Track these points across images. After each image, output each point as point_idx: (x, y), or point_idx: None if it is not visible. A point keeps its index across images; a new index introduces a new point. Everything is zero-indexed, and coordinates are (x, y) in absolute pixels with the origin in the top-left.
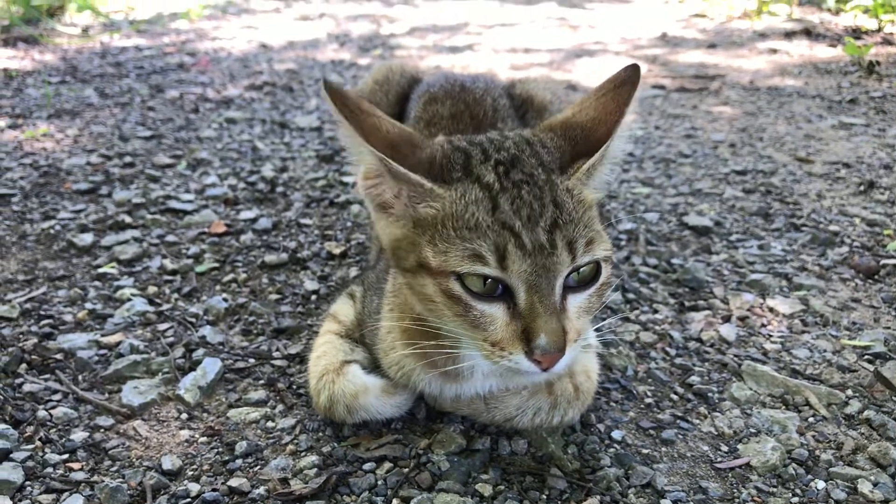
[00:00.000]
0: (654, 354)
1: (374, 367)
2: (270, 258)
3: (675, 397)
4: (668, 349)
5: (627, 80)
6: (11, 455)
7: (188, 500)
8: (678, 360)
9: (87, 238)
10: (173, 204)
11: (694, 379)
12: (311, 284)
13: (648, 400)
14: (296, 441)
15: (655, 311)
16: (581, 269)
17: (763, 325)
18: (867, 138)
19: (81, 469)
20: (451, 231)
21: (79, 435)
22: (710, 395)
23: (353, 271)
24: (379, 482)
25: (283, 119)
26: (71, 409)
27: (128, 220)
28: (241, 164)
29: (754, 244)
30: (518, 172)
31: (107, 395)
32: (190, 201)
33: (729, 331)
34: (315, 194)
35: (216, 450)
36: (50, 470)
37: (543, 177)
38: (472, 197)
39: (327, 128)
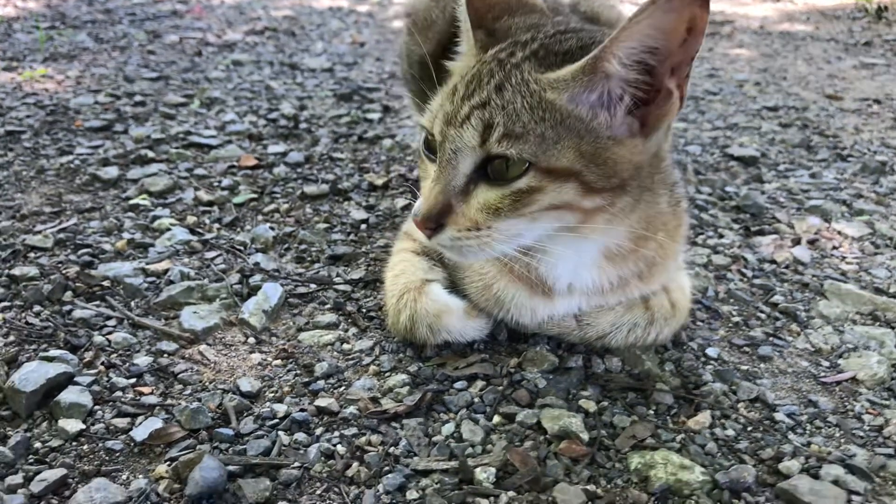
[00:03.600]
0: (731, 276)
1: (452, 286)
2: (310, 189)
3: (762, 316)
4: (743, 270)
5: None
6: (76, 379)
7: (275, 420)
8: (757, 281)
9: (111, 171)
10: (195, 139)
11: (778, 298)
12: (358, 214)
13: (735, 319)
14: (377, 362)
15: (721, 236)
16: (497, 161)
17: (835, 248)
18: (891, 77)
19: (152, 393)
20: (447, 88)
21: (143, 360)
22: (797, 313)
23: (400, 202)
24: (475, 399)
25: (292, 61)
26: (129, 335)
27: (151, 154)
28: (258, 102)
29: (804, 173)
30: (504, 52)
31: (164, 321)
32: (213, 136)
33: (802, 253)
34: (341, 130)
35: (294, 372)
36: (119, 394)
37: (515, 61)
38: (471, 62)
39: (338, 69)
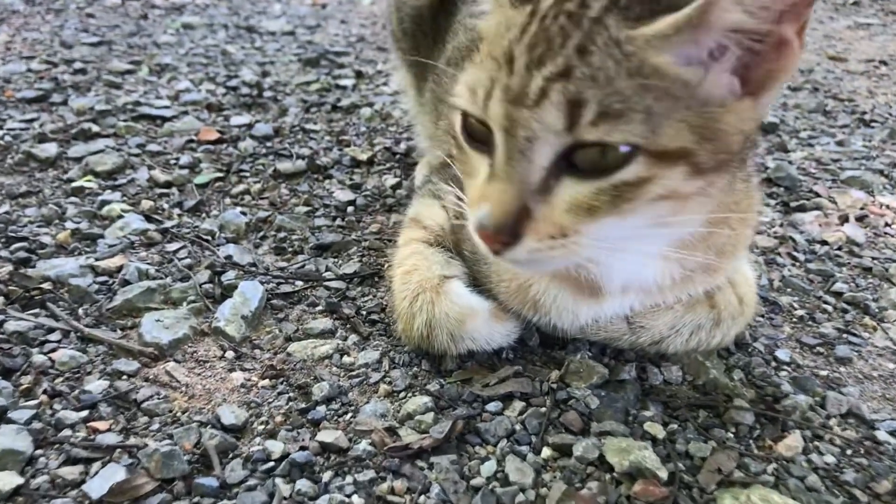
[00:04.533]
0: (782, 260)
1: (474, 281)
2: (284, 166)
3: (828, 308)
4: (794, 254)
5: None
6: (10, 415)
7: (270, 463)
8: (812, 266)
9: (49, 148)
10: (146, 110)
11: (840, 286)
12: (342, 194)
13: (799, 312)
14: (388, 379)
15: (759, 213)
16: (591, 147)
17: (887, 225)
18: (889, 37)
19: (110, 430)
20: (484, 56)
21: (96, 384)
22: (867, 303)
23: (389, 180)
24: (516, 426)
25: (249, 24)
26: (78, 352)
27: (95, 128)
28: (214, 69)
29: (830, 141)
30: (573, 3)
31: (120, 332)
32: (166, 107)
33: (854, 231)
34: (312, 98)
35: (286, 395)
36: (67, 433)
37: (594, 14)
38: (516, 20)
39: (301, 32)
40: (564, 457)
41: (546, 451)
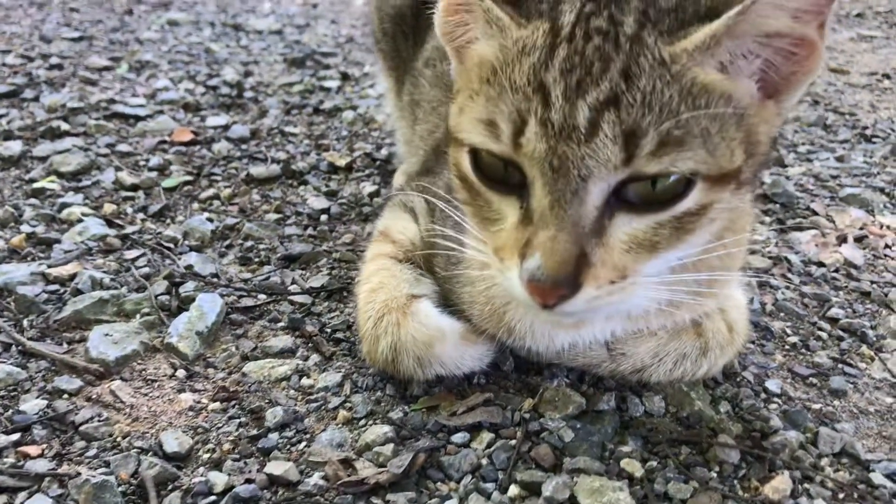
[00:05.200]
0: (776, 282)
1: (444, 302)
2: (258, 170)
3: (822, 335)
4: (789, 275)
5: None
6: None
7: (212, 497)
8: (807, 289)
9: (13, 146)
10: (120, 108)
11: (836, 312)
12: (317, 202)
13: (792, 339)
14: (348, 404)
15: (753, 230)
16: (646, 180)
17: (888, 247)
18: (893, 50)
19: (42, 455)
20: (491, 84)
21: (32, 404)
22: (864, 331)
23: (367, 187)
24: (483, 461)
25: (236, 22)
26: (17, 368)
27: (65, 126)
28: (196, 67)
29: (829, 156)
30: (602, 19)
31: (66, 346)
32: (141, 106)
33: (852, 253)
34: (293, 100)
35: (237, 420)
36: None
37: (630, 31)
38: (533, 41)
39: (289, 31)
40: (533, 496)
41: (513, 489)
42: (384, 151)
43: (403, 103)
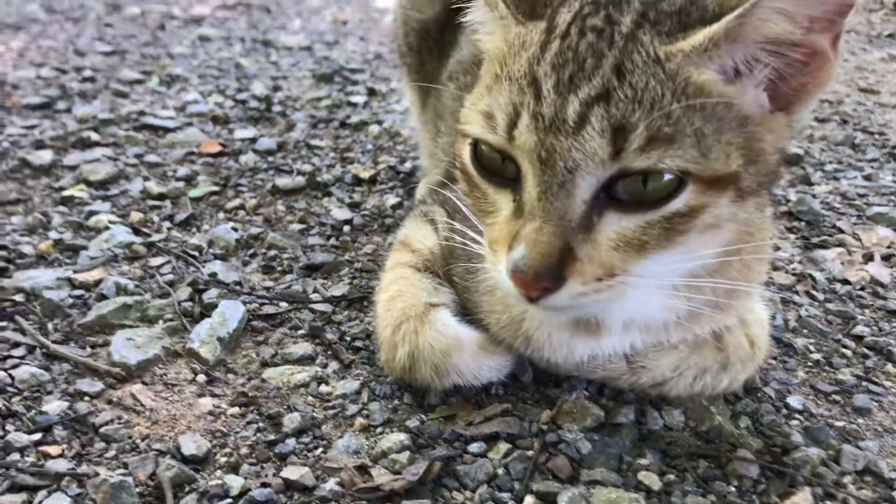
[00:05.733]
0: (799, 299)
1: (462, 311)
2: (283, 182)
3: (846, 352)
4: (813, 292)
5: None
6: None
7: (228, 500)
8: (831, 306)
9: (44, 156)
10: (150, 120)
11: (861, 329)
12: (340, 213)
13: (815, 356)
14: (365, 412)
15: (777, 248)
16: (635, 175)
17: None
18: None
19: (62, 455)
20: (497, 78)
21: (54, 405)
22: (890, 349)
23: (390, 199)
24: (499, 470)
25: (266, 38)
26: (40, 370)
27: (95, 136)
28: (225, 81)
29: (857, 175)
30: (598, 18)
31: (89, 349)
32: (170, 118)
33: (879, 271)
34: (321, 114)
35: (255, 425)
36: (16, 457)
37: (625, 30)
38: (532, 38)
39: (318, 48)
40: None
41: (529, 500)
42: (408, 165)
43: (427, 117)
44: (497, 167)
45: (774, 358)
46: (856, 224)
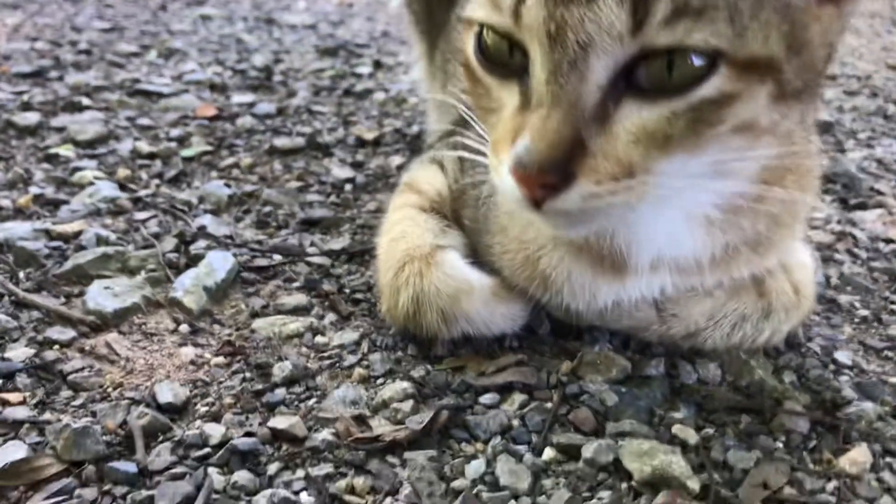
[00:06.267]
0: (840, 257)
1: (474, 255)
2: (282, 142)
3: (895, 308)
4: (854, 250)
5: None
6: None
7: (206, 449)
8: (875, 264)
9: (31, 117)
10: (144, 86)
11: None
12: (341, 171)
13: (861, 312)
14: (365, 362)
15: (818, 173)
16: (658, 56)
17: None
18: None
19: (24, 402)
20: None
21: (18, 352)
22: None
23: (395, 160)
24: (514, 422)
25: (270, 16)
26: (7, 317)
27: (86, 101)
28: (225, 54)
29: (892, 142)
30: None
31: (63, 299)
32: (166, 84)
33: None
34: (324, 84)
35: (241, 375)
36: None
37: None
38: None
39: (323, 27)
40: (571, 460)
41: (549, 452)
42: (415, 128)
43: (436, 66)
44: (503, 57)
45: (817, 314)
46: (895, 187)
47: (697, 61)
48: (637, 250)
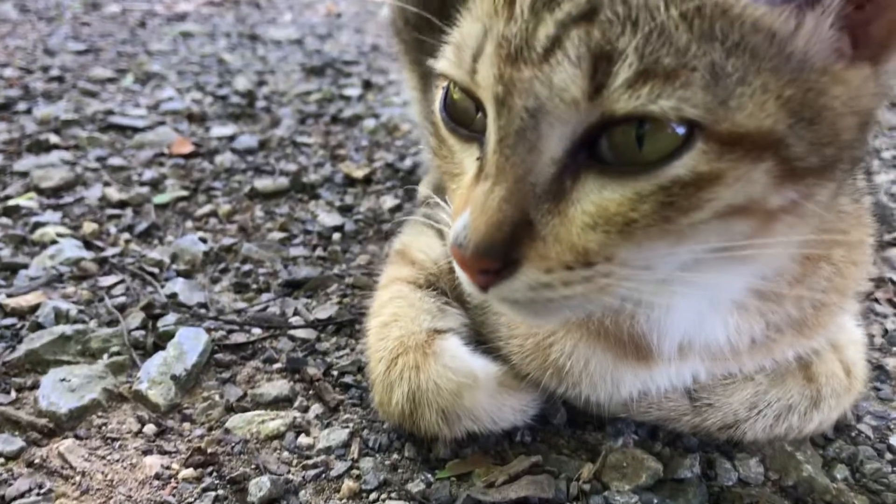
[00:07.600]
0: (882, 309)
1: (476, 338)
2: (263, 183)
3: None
4: None
5: None
6: None
7: None
8: None
9: None
10: (117, 120)
11: None
12: (329, 218)
13: None
14: (355, 471)
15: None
16: (623, 127)
17: None
18: None
19: None
20: (474, 1)
21: None
22: None
23: (387, 201)
24: None
25: (254, 32)
26: None
27: (55, 139)
28: (206, 77)
29: None
30: None
31: (14, 394)
32: (141, 116)
33: None
34: (310, 109)
35: (213, 493)
36: None
37: None
38: None
39: (309, 41)
40: None
41: None
42: (408, 162)
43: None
44: (469, 117)
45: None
46: None
47: (679, 130)
48: (661, 335)
